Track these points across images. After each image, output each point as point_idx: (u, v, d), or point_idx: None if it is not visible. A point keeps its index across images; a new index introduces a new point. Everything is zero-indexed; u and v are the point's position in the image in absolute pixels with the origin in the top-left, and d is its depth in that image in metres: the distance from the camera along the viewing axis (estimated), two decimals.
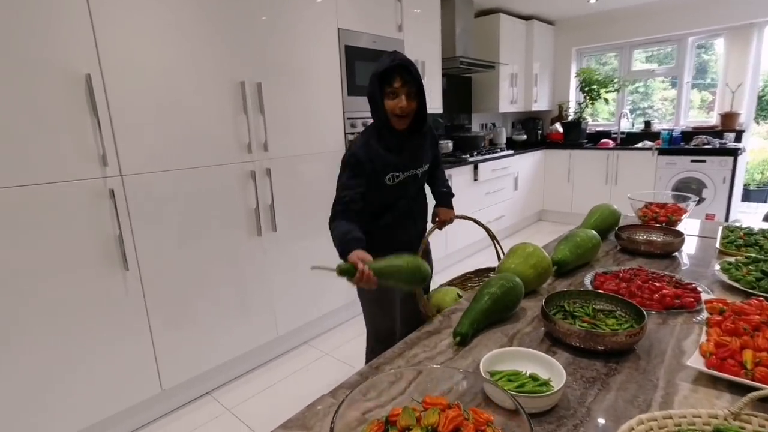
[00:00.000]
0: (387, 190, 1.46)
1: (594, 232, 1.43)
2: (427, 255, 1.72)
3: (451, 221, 1.67)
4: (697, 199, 1.77)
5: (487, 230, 1.66)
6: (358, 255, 1.16)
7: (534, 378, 0.79)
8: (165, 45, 1.78)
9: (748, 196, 5.39)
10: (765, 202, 5.47)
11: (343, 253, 1.22)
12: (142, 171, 1.76)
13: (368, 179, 1.39)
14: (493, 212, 4.25)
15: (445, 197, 1.71)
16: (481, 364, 0.81)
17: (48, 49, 1.49)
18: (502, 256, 1.58)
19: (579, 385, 0.81)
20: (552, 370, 0.80)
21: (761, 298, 0.99)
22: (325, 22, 2.42)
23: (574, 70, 5.27)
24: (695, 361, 0.80)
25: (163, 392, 1.92)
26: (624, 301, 1.00)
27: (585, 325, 0.95)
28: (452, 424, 0.55)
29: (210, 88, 1.94)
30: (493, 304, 1.04)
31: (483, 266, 1.88)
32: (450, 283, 1.73)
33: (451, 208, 1.71)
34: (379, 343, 1.57)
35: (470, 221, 1.68)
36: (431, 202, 1.71)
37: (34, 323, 1.54)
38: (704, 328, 0.91)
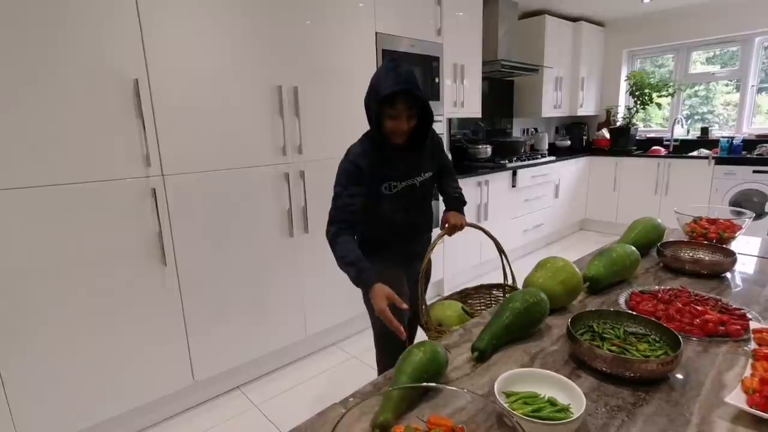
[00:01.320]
0: (385, 199, 1.42)
1: (633, 248, 1.35)
2: (426, 275, 1.67)
3: (461, 228, 1.57)
4: (753, 215, 1.63)
5: (497, 243, 1.54)
6: (385, 293, 1.17)
7: (552, 403, 0.75)
8: (207, 50, 1.85)
9: None
10: None
11: (361, 283, 1.24)
12: (182, 171, 1.84)
13: (367, 188, 1.36)
14: (532, 220, 4.12)
15: (455, 202, 1.66)
16: (496, 384, 0.78)
17: (102, 55, 1.59)
18: (509, 274, 1.55)
19: (602, 414, 0.76)
20: (573, 396, 0.75)
21: None
22: (363, 26, 2.43)
23: (624, 73, 5.01)
24: (736, 398, 0.73)
25: (195, 383, 1.99)
26: (659, 325, 0.93)
27: (614, 348, 0.89)
28: None
29: (248, 92, 2.00)
30: (515, 320, 1.00)
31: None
32: (449, 298, 1.63)
33: (462, 214, 1.63)
34: (386, 354, 1.54)
35: (480, 231, 1.57)
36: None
37: (81, 311, 1.64)
38: (750, 361, 0.83)
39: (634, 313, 1.02)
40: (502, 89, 4.52)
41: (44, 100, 1.49)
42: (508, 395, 0.78)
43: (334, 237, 1.31)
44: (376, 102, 1.28)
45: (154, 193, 1.76)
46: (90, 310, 1.66)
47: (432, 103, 1.42)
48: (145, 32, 1.68)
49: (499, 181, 3.63)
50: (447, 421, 0.59)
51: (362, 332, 2.73)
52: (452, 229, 1.57)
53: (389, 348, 1.49)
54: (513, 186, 3.79)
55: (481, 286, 1.69)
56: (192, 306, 1.93)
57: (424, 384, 0.78)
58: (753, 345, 0.91)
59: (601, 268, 1.26)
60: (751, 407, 0.71)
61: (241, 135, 2.01)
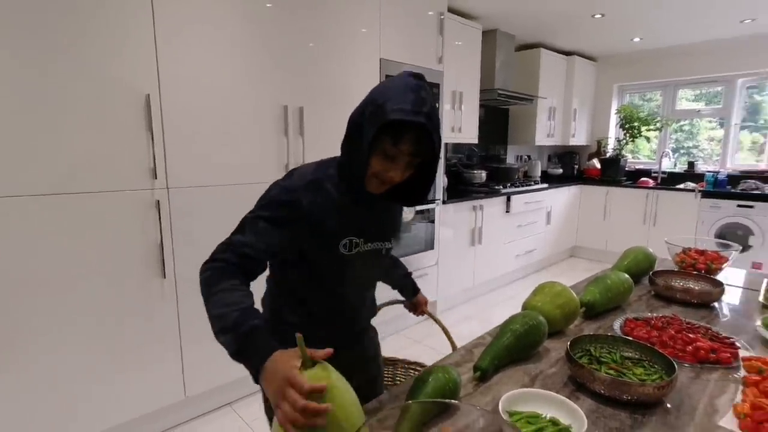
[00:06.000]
0: (340, 263, 0.96)
1: (626, 276, 1.40)
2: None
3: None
4: (740, 248, 1.70)
5: (440, 324, 1.38)
6: (292, 371, 0.65)
7: (554, 422, 0.78)
8: (218, 68, 1.91)
9: None
10: None
11: (242, 348, 0.73)
12: (188, 185, 1.87)
13: (299, 237, 0.90)
14: (525, 245, 4.19)
15: (413, 282, 1.36)
16: (500, 403, 0.81)
17: (116, 69, 1.63)
18: (451, 344, 1.34)
19: None
20: (574, 417, 0.78)
21: None
22: (368, 51, 2.52)
23: (614, 106, 5.20)
24: (728, 422, 0.77)
25: (186, 399, 1.97)
26: (654, 351, 0.97)
27: (611, 372, 0.93)
28: None
29: (255, 110, 2.05)
30: (515, 341, 1.03)
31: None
32: None
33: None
34: None
35: (436, 322, 1.41)
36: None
37: (75, 321, 1.63)
38: (740, 387, 0.87)
39: (630, 338, 1.06)
40: (497, 117, 4.65)
41: (57, 111, 1.52)
42: (511, 414, 0.81)
43: (208, 282, 0.82)
44: (376, 124, 0.82)
45: (158, 205, 1.78)
46: (85, 319, 1.65)
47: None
48: (160, 48, 1.73)
49: (493, 206, 3.70)
50: None
51: None
52: (425, 311, 1.38)
53: None
54: (507, 211, 3.86)
55: (398, 360, 1.47)
56: (188, 320, 1.93)
57: (441, 400, 0.80)
58: (743, 372, 0.95)
59: (597, 294, 1.30)
60: (742, 431, 0.74)
61: (247, 152, 2.05)
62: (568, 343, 0.98)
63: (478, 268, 3.66)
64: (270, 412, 1.04)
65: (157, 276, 1.81)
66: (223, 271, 0.83)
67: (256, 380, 0.73)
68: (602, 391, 0.88)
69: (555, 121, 4.79)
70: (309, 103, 2.24)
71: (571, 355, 0.95)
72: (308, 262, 0.95)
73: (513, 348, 1.03)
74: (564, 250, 4.97)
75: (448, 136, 3.38)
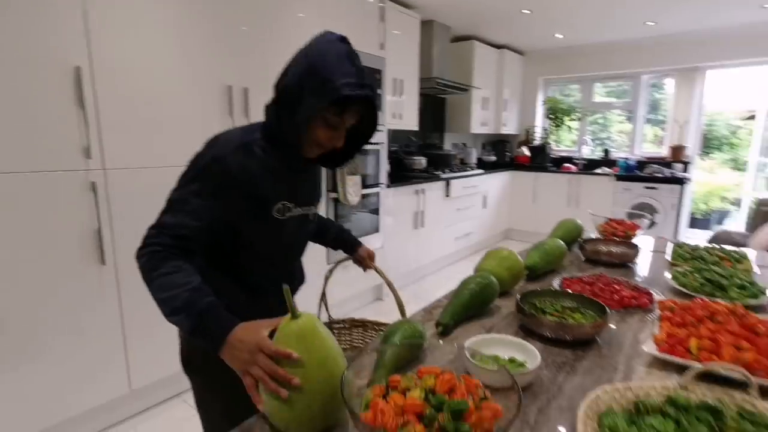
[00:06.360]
0: (270, 229, 0.95)
1: (561, 242, 1.56)
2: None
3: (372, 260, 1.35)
4: (651, 218, 1.95)
5: (384, 277, 1.32)
6: (262, 339, 0.68)
7: (512, 360, 0.87)
8: (156, 43, 1.81)
9: (694, 223, 5.82)
10: (708, 229, 5.93)
11: (201, 325, 0.74)
12: (126, 166, 1.76)
13: (232, 206, 0.88)
14: (463, 228, 4.41)
15: (349, 234, 1.35)
16: (465, 347, 0.89)
17: (39, 39, 1.49)
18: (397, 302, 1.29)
19: (551, 370, 0.90)
20: (528, 355, 0.89)
21: (704, 299, 1.12)
22: (308, 34, 2.50)
23: (540, 98, 5.59)
24: (650, 348, 0.91)
25: (132, 392, 1.87)
26: (588, 300, 1.11)
27: (554, 318, 1.05)
28: (447, 385, 0.63)
29: (198, 90, 1.97)
30: (471, 299, 1.13)
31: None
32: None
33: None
34: None
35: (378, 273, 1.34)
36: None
37: (7, 310, 1.49)
38: (657, 323, 1.03)
39: (568, 291, 1.20)
40: (435, 105, 4.81)
41: None
42: (473, 356, 0.89)
43: (149, 267, 0.82)
44: (325, 99, 0.84)
45: (94, 187, 1.67)
46: (17, 310, 1.52)
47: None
48: (91, 18, 1.61)
49: (434, 190, 3.85)
50: (435, 369, 0.68)
51: None
52: (372, 261, 1.34)
53: None
54: (447, 195, 4.04)
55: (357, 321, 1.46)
56: (131, 308, 1.83)
57: (413, 340, 0.86)
58: (658, 312, 1.12)
59: (537, 258, 1.44)
60: (661, 353, 0.89)
61: (190, 132, 1.97)
62: (518, 296, 1.10)
63: (422, 251, 3.81)
64: (204, 404, 1.06)
65: (96, 263, 1.70)
66: (162, 256, 0.81)
67: (216, 354, 0.73)
68: (548, 334, 1.00)
69: (488, 110, 5.06)
70: (254, 84, 2.20)
71: (521, 305, 1.06)
72: (239, 230, 0.93)
73: (469, 305, 1.13)
74: (499, 233, 5.29)
75: (389, 122, 3.45)
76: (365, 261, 1.34)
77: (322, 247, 1.36)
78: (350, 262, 1.38)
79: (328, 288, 1.39)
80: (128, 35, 1.72)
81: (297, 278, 1.14)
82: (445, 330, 1.05)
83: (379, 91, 3.14)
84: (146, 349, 1.90)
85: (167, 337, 1.95)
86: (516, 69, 5.42)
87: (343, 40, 0.92)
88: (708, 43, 4.34)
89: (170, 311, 0.77)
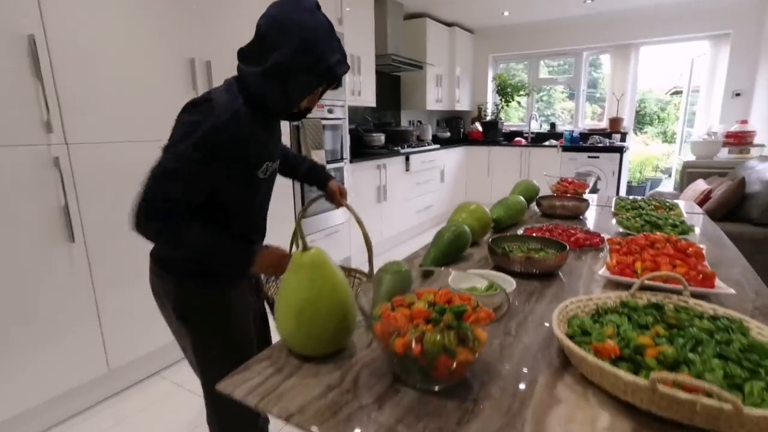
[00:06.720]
0: (254, 187, 1.06)
1: (521, 198, 1.71)
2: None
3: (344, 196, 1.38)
4: (597, 176, 2.15)
5: (354, 213, 1.23)
6: (278, 253, 1.00)
7: (491, 286, 0.99)
8: (114, 14, 1.75)
9: (631, 191, 6.35)
10: (643, 195, 6.49)
11: (246, 258, 0.97)
12: (90, 141, 1.71)
13: (225, 170, 0.95)
14: (423, 202, 4.56)
15: (321, 169, 1.38)
16: (449, 281, 1.00)
17: None
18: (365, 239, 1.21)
19: (522, 297, 1.03)
20: (505, 284, 1.01)
21: (644, 234, 1.31)
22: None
23: (491, 75, 5.80)
24: (603, 272, 1.07)
25: (110, 371, 1.85)
26: (550, 241, 1.26)
27: (523, 254, 1.19)
28: (445, 298, 0.73)
29: (161, 63, 1.93)
30: (449, 246, 1.24)
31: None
32: None
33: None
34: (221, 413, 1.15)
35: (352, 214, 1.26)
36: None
37: None
38: (608, 255, 1.19)
39: (533, 234, 1.34)
40: (390, 83, 4.87)
41: None
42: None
43: (170, 231, 0.93)
44: (322, 78, 0.96)
45: (58, 162, 1.61)
46: None
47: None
48: None
49: (395, 165, 3.96)
50: (431, 290, 0.78)
51: None
52: (344, 198, 1.37)
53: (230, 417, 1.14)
54: (407, 170, 4.15)
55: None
56: (105, 286, 1.80)
57: (409, 269, 0.95)
58: (608, 248, 1.28)
59: (502, 212, 1.59)
60: (613, 275, 1.04)
61: (154, 106, 1.92)
62: (490, 239, 1.22)
63: (385, 224, 3.92)
64: (203, 350, 1.10)
65: (65, 240, 1.65)
66: (176, 222, 0.93)
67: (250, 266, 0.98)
68: (519, 269, 1.13)
69: (442, 87, 5.19)
70: (216, 56, 2.16)
71: (493, 247, 1.18)
72: (226, 190, 1.00)
73: (447, 251, 1.24)
74: (457, 205, 5.48)
75: (348, 98, 3.49)
76: (336, 196, 1.36)
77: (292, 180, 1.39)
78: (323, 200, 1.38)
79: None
80: (83, 3, 1.65)
81: (265, 228, 1.21)
82: (427, 273, 1.15)
83: None
84: (123, 328, 1.88)
85: (143, 313, 1.94)
86: (467, 46, 5.57)
87: (319, 7, 0.97)
88: (641, 20, 4.69)
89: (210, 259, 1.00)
